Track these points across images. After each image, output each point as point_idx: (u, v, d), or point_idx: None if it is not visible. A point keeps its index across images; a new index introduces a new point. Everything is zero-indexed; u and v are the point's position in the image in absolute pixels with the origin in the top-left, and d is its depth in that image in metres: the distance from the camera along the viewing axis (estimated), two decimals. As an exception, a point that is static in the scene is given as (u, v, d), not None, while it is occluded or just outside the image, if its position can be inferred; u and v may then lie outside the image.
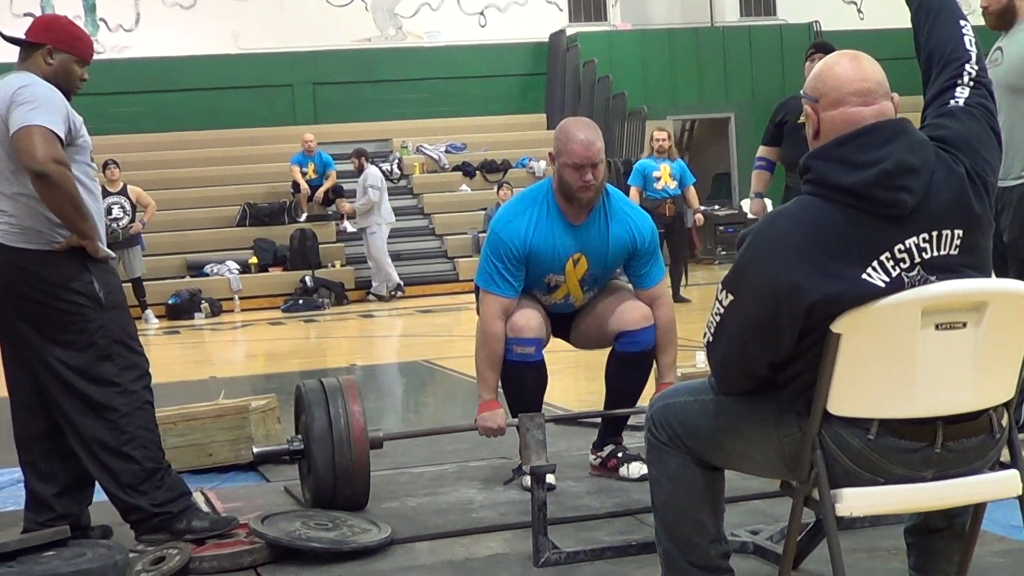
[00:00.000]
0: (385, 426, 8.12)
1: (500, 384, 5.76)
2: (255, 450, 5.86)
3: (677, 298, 15.63)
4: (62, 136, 4.77)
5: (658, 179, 15.11)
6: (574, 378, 9.17)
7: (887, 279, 3.19)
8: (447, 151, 22.58)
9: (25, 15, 22.16)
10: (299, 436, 5.64)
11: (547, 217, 5.62)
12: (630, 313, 5.75)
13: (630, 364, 5.82)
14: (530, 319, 5.68)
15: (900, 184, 3.21)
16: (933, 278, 3.22)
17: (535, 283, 5.69)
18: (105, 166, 17.14)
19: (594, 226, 5.66)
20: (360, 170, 19.43)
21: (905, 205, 3.21)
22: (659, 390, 5.78)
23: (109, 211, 16.75)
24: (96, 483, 5.13)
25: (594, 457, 6.01)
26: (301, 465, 5.71)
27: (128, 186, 17.52)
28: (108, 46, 23.02)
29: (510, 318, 5.70)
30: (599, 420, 6.20)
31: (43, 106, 4.76)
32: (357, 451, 5.40)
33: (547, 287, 5.72)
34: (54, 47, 5.01)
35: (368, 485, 5.51)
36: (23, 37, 5.06)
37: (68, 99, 5.02)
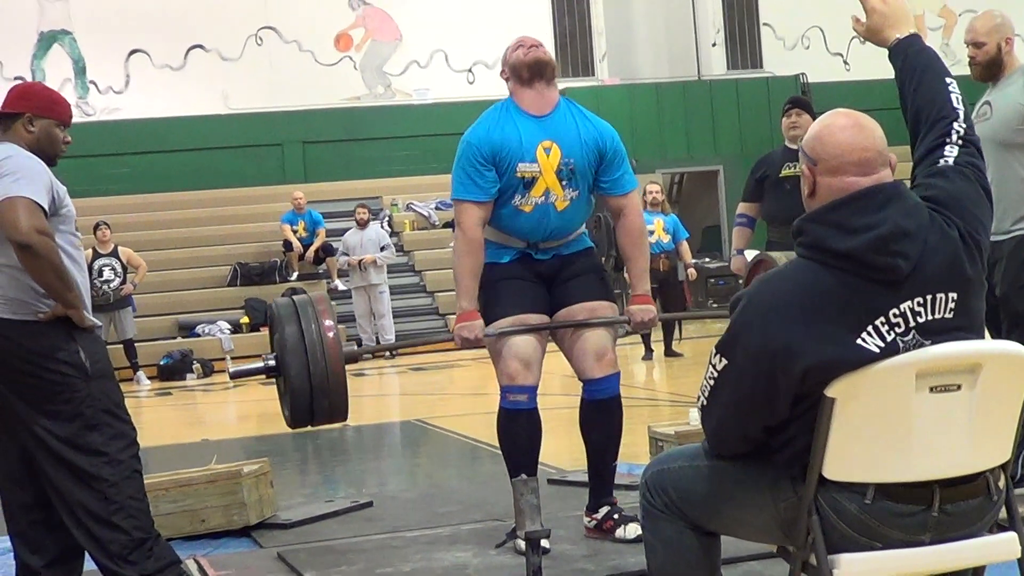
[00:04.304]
0: (378, 489, 8.10)
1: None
2: (231, 369, 5.85)
3: (669, 352, 15.63)
4: (45, 207, 4.75)
5: (651, 233, 15.07)
6: (567, 436, 9.13)
7: (882, 344, 3.18)
8: (437, 208, 22.59)
9: (16, 78, 22.21)
10: (274, 353, 5.59)
11: (509, 115, 5.70)
12: (596, 361, 5.75)
13: (600, 413, 5.81)
14: (522, 363, 5.66)
15: (895, 249, 3.19)
16: (928, 342, 3.20)
17: (510, 182, 5.65)
18: (96, 228, 17.15)
19: (559, 115, 5.71)
20: (366, 223, 19.40)
21: (900, 270, 3.19)
22: (633, 302, 5.84)
23: (100, 273, 16.75)
24: (86, 553, 5.08)
25: (588, 519, 5.95)
26: (279, 383, 5.67)
27: (119, 247, 17.51)
28: (98, 108, 23.08)
29: (503, 360, 5.68)
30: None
31: (26, 177, 4.74)
32: (331, 358, 5.37)
33: (523, 184, 5.65)
34: (33, 114, 5.00)
35: (346, 395, 5.48)
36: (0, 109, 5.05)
37: (54, 164, 5.01)
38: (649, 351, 15.68)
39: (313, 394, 5.39)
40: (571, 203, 5.72)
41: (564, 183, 5.68)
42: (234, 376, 5.91)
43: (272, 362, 5.58)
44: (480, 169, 5.61)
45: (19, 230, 4.65)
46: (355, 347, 5.25)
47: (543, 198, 5.67)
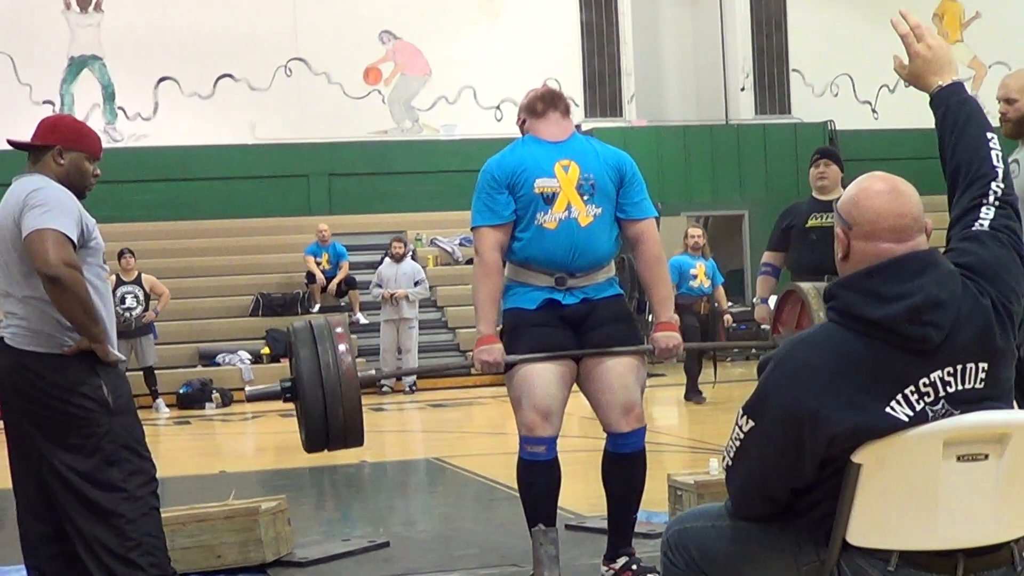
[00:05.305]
0: (395, 528, 8.07)
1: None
2: (247, 390, 5.92)
3: (688, 396, 15.53)
4: (74, 239, 4.76)
5: (695, 277, 15.10)
6: (585, 480, 9.10)
7: (911, 413, 3.16)
8: (461, 244, 22.57)
9: (45, 102, 22.33)
10: (292, 376, 5.68)
11: (526, 144, 5.87)
12: (623, 415, 5.74)
13: (624, 466, 5.81)
14: (541, 415, 5.64)
15: (927, 319, 3.18)
16: (957, 412, 3.18)
17: (530, 198, 5.70)
18: (120, 255, 17.17)
19: (576, 141, 5.86)
20: (401, 257, 19.42)
21: (932, 340, 3.18)
22: (657, 329, 5.84)
23: (123, 300, 16.77)
24: (101, 588, 5.07)
25: (606, 569, 5.92)
26: (297, 407, 5.73)
27: (142, 275, 17.53)
28: (126, 134, 23.15)
29: (521, 411, 5.67)
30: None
31: (55, 209, 4.76)
32: (346, 380, 5.45)
33: (543, 199, 5.70)
34: (63, 147, 5.02)
35: (361, 418, 5.55)
36: (30, 141, 5.06)
37: (83, 196, 5.03)
38: (697, 392, 15.50)
39: (328, 416, 5.44)
40: (595, 219, 5.73)
41: (585, 198, 5.72)
42: (250, 398, 5.95)
43: (288, 384, 5.64)
44: (493, 194, 5.71)
45: (48, 262, 4.66)
46: (372, 372, 5.27)
47: (565, 213, 5.70)
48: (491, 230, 5.71)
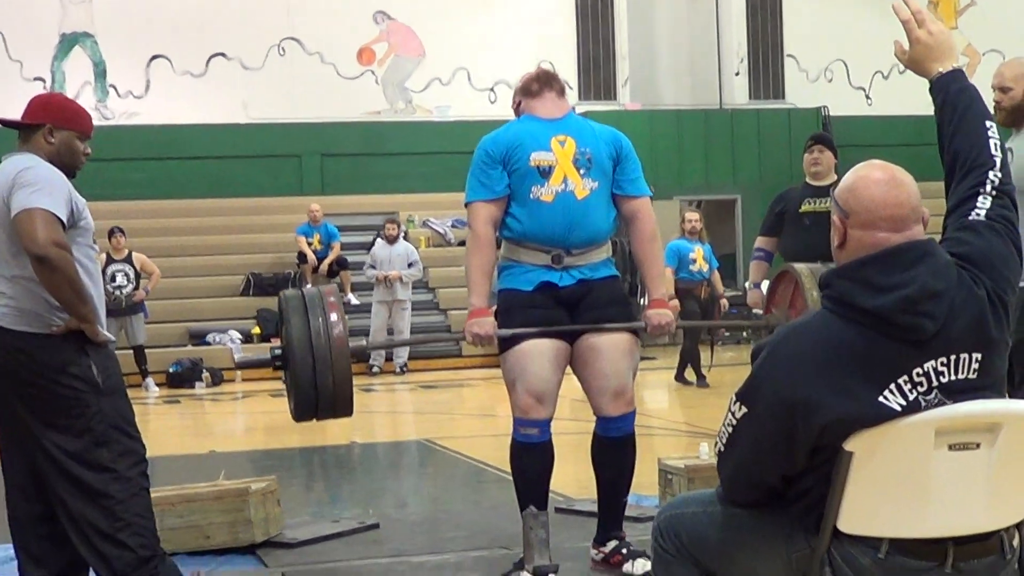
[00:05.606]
0: (385, 510, 8.07)
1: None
2: (237, 357, 5.90)
3: (679, 378, 15.53)
4: (64, 219, 4.73)
5: (694, 261, 15.11)
6: (575, 463, 9.09)
7: (904, 402, 3.16)
8: (453, 226, 22.57)
9: (35, 79, 22.25)
10: (282, 345, 5.66)
11: (521, 122, 5.89)
12: (614, 399, 5.74)
13: (613, 450, 5.81)
14: (535, 397, 5.64)
15: (922, 310, 3.17)
16: (950, 402, 3.18)
17: (526, 171, 5.71)
18: (111, 234, 17.13)
19: (571, 119, 5.90)
20: (395, 239, 19.41)
21: (926, 331, 3.17)
22: (651, 306, 5.84)
23: (113, 279, 16.75)
24: (90, 569, 5.05)
25: (596, 552, 5.92)
26: (286, 376, 5.72)
27: (133, 253, 17.50)
28: (117, 112, 23.08)
29: (515, 393, 5.67)
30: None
31: (45, 188, 4.73)
32: (336, 349, 5.44)
33: (539, 172, 5.71)
34: (54, 125, 4.98)
35: (350, 388, 5.54)
36: (20, 119, 5.03)
37: (73, 175, 4.99)
38: (701, 377, 15.50)
39: (317, 384, 5.42)
40: (591, 193, 5.73)
41: (582, 172, 5.74)
42: (240, 365, 5.95)
43: (279, 351, 5.63)
44: (487, 169, 5.73)
45: (36, 242, 4.64)
46: (363, 342, 5.22)
47: (562, 186, 5.71)
48: (484, 204, 5.72)
